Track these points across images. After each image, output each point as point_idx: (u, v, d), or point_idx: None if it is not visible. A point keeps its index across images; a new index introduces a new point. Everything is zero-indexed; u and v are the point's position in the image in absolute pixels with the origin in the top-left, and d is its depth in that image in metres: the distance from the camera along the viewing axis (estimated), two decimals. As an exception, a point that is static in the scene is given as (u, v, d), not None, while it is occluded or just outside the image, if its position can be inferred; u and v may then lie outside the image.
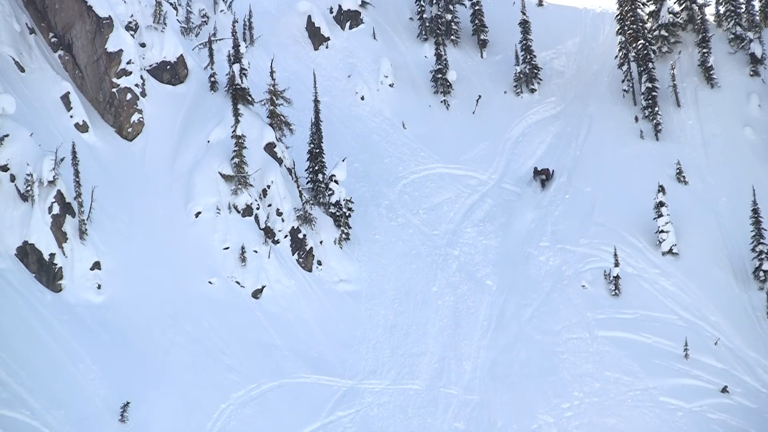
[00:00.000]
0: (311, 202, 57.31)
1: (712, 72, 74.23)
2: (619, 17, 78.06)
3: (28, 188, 45.80)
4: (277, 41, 73.77)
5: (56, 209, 46.37)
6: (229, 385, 45.94)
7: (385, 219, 62.03)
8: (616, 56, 76.50)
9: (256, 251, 52.55)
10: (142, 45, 58.41)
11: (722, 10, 79.11)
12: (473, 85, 77.90)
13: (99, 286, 46.20)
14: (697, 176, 65.96)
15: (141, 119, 55.56)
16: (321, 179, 58.66)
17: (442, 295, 57.14)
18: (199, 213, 52.54)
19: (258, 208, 53.91)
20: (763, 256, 58.02)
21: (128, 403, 41.12)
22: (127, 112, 55.27)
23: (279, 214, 54.68)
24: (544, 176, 68.37)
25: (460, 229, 62.72)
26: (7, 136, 46.17)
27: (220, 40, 65.31)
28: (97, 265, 46.69)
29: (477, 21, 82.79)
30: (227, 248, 51.90)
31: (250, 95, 56.66)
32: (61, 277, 45.20)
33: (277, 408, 46.07)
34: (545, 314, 55.85)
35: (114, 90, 55.32)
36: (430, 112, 74.39)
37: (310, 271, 55.22)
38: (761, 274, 57.89)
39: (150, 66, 58.31)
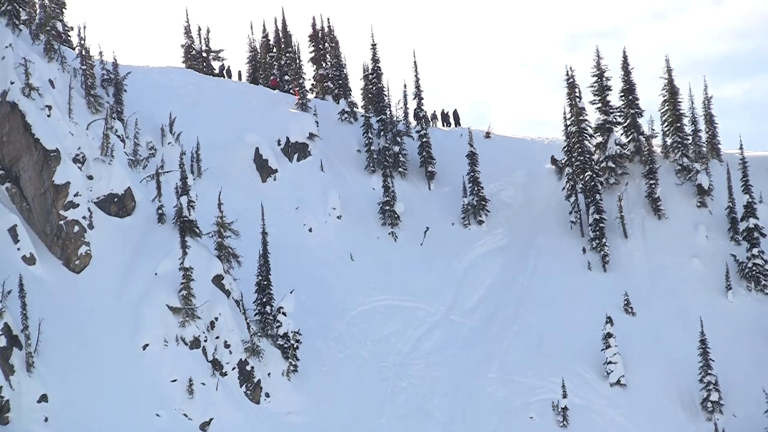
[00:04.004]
0: (259, 334, 58.81)
1: (659, 203, 77.91)
2: (566, 149, 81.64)
3: (-25, 322, 47.68)
4: (224, 173, 75.30)
5: (3, 342, 48.08)
6: None
7: (333, 351, 63.65)
8: (564, 188, 79.66)
9: (203, 383, 53.82)
10: (90, 177, 59.91)
11: (669, 141, 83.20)
12: (421, 216, 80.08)
13: (46, 419, 47.59)
14: (645, 307, 68.98)
15: (88, 252, 57.16)
16: (269, 311, 60.17)
17: (390, 427, 58.48)
18: (147, 345, 53.84)
19: (206, 341, 55.43)
20: (710, 386, 60.73)
21: None
22: (75, 244, 56.92)
23: (227, 346, 56.22)
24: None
25: (408, 361, 64.34)
26: (-47, 269, 48.04)
27: (167, 172, 66.81)
28: (44, 398, 48.21)
29: (425, 153, 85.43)
30: (175, 380, 53.08)
31: (197, 227, 58.46)
32: (8, 409, 46.63)
33: None
34: (494, 446, 57.76)
35: (61, 222, 57.01)
36: (378, 244, 76.49)
37: (258, 403, 56.49)
38: (709, 404, 60.62)
39: (97, 198, 59.90)
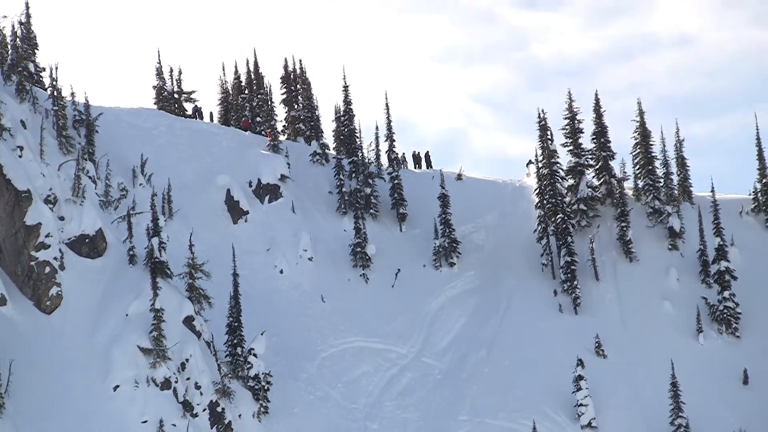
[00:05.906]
0: (230, 375, 59.19)
1: (630, 246, 79.22)
2: (538, 191, 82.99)
3: (-55, 362, 48.36)
4: (196, 214, 76.03)
5: (-27, 383, 48.41)
6: None
7: (303, 392, 64.02)
8: (535, 230, 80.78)
9: (174, 425, 53.96)
10: (61, 218, 60.20)
11: (641, 184, 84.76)
12: (392, 258, 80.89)
13: (16, 461, 48.16)
14: (616, 350, 70.04)
15: (59, 293, 57.38)
16: (239, 352, 60.60)
17: (361, 469, 58.94)
18: (118, 386, 53.93)
19: (176, 382, 55.62)
20: (682, 429, 61.59)
21: None
22: (46, 285, 57.10)
23: (197, 387, 56.44)
24: None
25: (379, 403, 64.84)
26: None
27: (139, 213, 67.19)
28: (14, 439, 48.64)
29: (396, 195, 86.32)
30: (145, 422, 53.14)
31: (168, 269, 58.90)
32: (-22, 450, 47.41)
33: None
34: (464, 488, 58.59)
35: (32, 263, 57.16)
36: (349, 286, 77.09)
37: (228, 445, 57.16)
38: (679, 447, 61.83)
39: (68, 239, 60.18)
